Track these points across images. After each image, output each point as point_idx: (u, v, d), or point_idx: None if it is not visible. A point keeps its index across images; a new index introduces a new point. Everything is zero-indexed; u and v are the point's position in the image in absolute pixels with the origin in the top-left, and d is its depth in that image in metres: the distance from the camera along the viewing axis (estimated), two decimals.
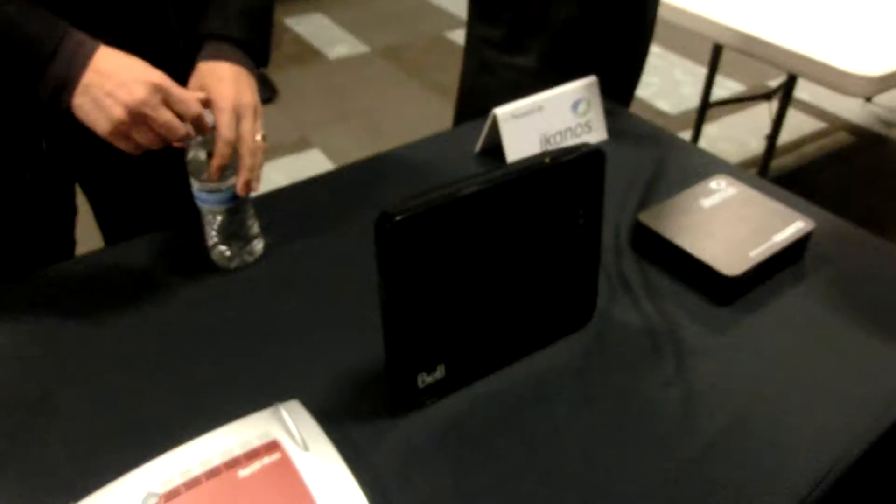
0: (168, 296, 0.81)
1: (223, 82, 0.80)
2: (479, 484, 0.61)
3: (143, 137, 0.73)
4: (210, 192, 0.79)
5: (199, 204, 0.81)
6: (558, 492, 0.61)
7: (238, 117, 0.78)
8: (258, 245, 0.86)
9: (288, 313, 0.79)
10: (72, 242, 1.04)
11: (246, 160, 0.78)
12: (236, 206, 0.81)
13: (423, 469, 0.62)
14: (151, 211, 1.02)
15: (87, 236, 1.09)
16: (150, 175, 1.00)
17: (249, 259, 0.85)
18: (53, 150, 0.93)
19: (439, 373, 0.67)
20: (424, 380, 0.66)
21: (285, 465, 0.58)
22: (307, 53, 3.28)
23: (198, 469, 0.56)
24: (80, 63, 0.71)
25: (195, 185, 0.79)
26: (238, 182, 0.79)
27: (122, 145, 0.73)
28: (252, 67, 0.85)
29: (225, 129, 0.76)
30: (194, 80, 0.81)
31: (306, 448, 0.59)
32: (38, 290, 0.82)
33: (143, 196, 1.03)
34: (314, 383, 0.69)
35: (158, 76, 0.72)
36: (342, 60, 3.24)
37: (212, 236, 0.84)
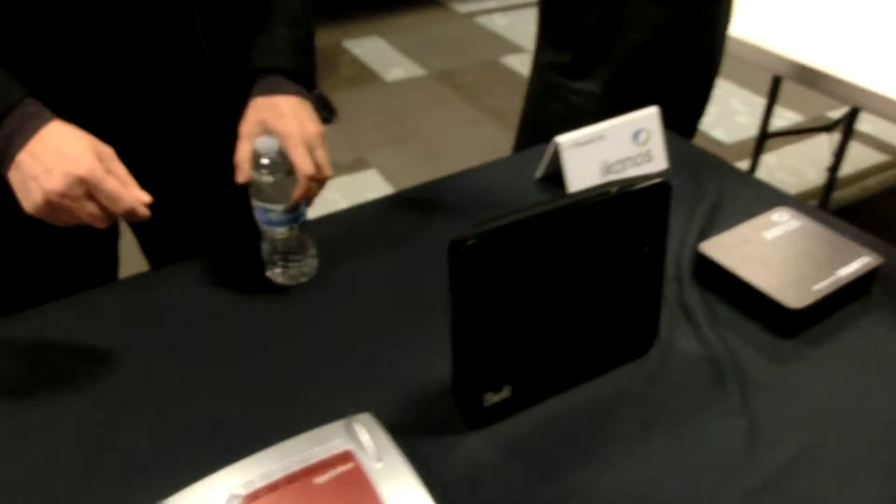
0: (228, 313, 0.84)
1: (285, 117, 0.81)
2: (542, 502, 0.63)
3: (67, 220, 0.72)
4: (273, 213, 0.82)
5: (262, 225, 0.85)
6: None
7: (310, 148, 0.81)
8: (314, 264, 0.90)
9: (350, 331, 0.81)
10: (115, 263, 1.06)
11: (322, 184, 0.82)
12: (297, 225, 0.85)
13: (489, 486, 0.64)
14: (197, 236, 1.04)
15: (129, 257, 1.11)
16: (195, 202, 1.03)
17: (305, 278, 0.89)
18: None
19: (505, 393, 0.69)
20: (491, 399, 0.68)
21: (358, 474, 0.60)
22: (364, 75, 3.36)
23: (277, 473, 0.60)
24: (21, 139, 0.71)
25: (258, 206, 0.83)
26: (308, 201, 0.83)
27: (48, 221, 0.72)
28: (306, 94, 0.88)
29: (305, 164, 0.79)
30: (252, 114, 0.84)
31: (379, 459, 0.61)
32: (108, 306, 0.86)
33: (187, 222, 1.05)
34: (382, 398, 0.72)
35: (88, 168, 0.69)
36: (398, 83, 3.31)
37: (270, 255, 0.87)
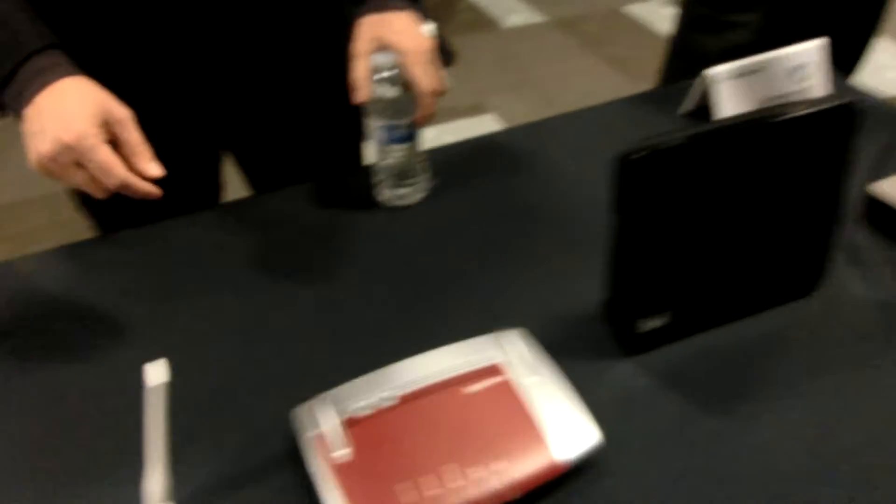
0: (345, 234, 0.83)
1: (401, 34, 0.79)
2: (701, 432, 0.60)
3: (64, 182, 0.68)
4: (396, 129, 0.81)
5: (381, 144, 0.83)
6: (787, 452, 0.59)
7: (427, 64, 0.78)
8: (427, 186, 0.89)
9: (476, 254, 0.80)
10: (217, 189, 1.07)
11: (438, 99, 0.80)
12: (414, 144, 0.84)
13: (643, 411, 0.62)
14: (298, 163, 1.04)
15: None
16: (294, 129, 1.02)
17: (421, 196, 0.88)
18: (199, 118, 0.95)
19: (662, 320, 0.65)
20: (646, 325, 0.65)
21: (508, 387, 0.59)
22: (482, 21, 3.30)
23: (430, 379, 0.59)
24: (30, 92, 0.67)
25: (378, 125, 0.81)
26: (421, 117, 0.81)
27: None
28: (414, 9, 0.84)
29: (426, 80, 0.77)
30: (366, 31, 0.81)
31: (533, 373, 0.60)
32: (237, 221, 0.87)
33: (288, 149, 1.04)
34: (530, 319, 0.70)
35: (76, 135, 0.64)
36: (517, 29, 3.23)
37: (385, 176, 0.86)
